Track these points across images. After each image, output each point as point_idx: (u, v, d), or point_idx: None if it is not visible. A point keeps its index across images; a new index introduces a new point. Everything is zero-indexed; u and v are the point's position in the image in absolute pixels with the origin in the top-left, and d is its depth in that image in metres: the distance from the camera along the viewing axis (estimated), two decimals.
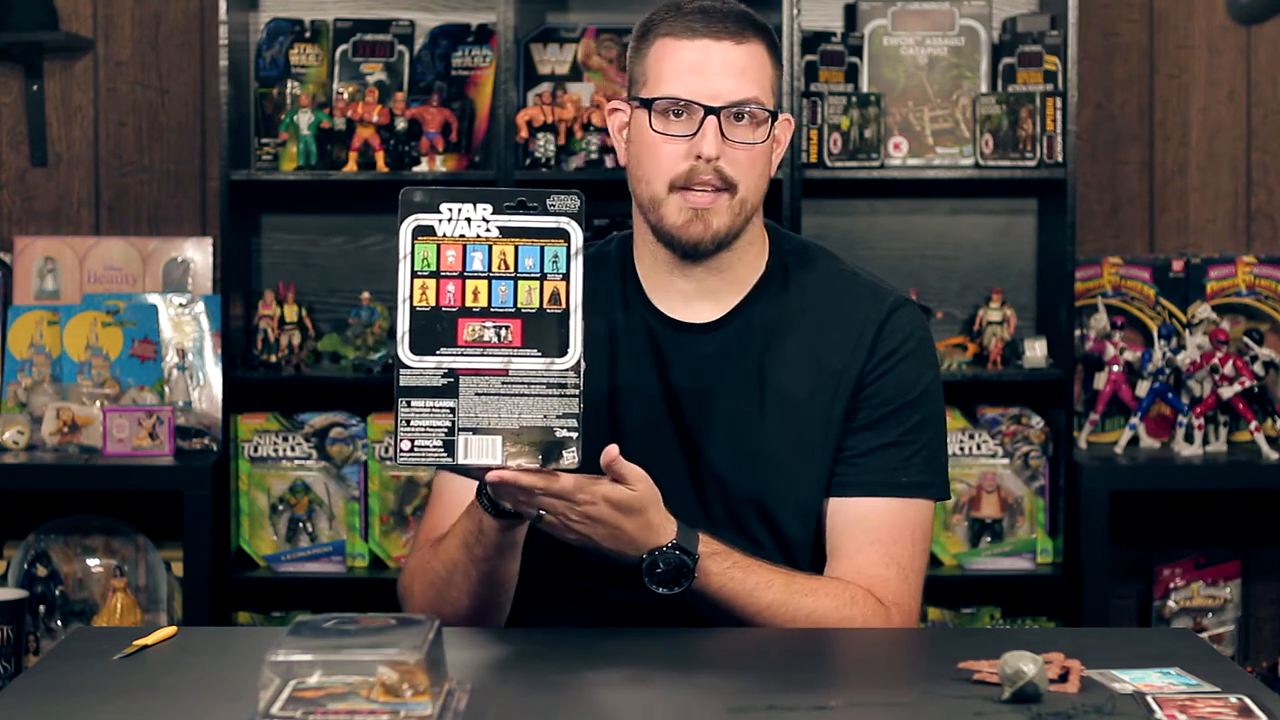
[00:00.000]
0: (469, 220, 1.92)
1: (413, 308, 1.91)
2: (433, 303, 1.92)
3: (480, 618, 2.18)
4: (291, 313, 3.88)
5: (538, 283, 1.93)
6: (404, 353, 1.91)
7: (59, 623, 3.82)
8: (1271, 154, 4.08)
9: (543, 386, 1.92)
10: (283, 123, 3.86)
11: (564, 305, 1.93)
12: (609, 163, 3.82)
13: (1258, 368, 3.87)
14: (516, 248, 1.92)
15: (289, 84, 3.91)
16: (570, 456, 1.93)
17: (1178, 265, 3.97)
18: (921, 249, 4.05)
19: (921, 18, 3.93)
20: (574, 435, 1.92)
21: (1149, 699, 1.76)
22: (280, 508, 3.86)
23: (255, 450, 3.86)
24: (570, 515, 2.00)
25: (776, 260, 2.28)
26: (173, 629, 2.05)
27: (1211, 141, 4.08)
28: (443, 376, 1.92)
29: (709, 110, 2.17)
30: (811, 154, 3.82)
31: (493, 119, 3.85)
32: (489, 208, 1.92)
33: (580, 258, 1.93)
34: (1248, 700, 1.75)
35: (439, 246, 1.91)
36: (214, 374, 3.85)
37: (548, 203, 1.93)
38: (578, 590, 2.24)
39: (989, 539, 3.85)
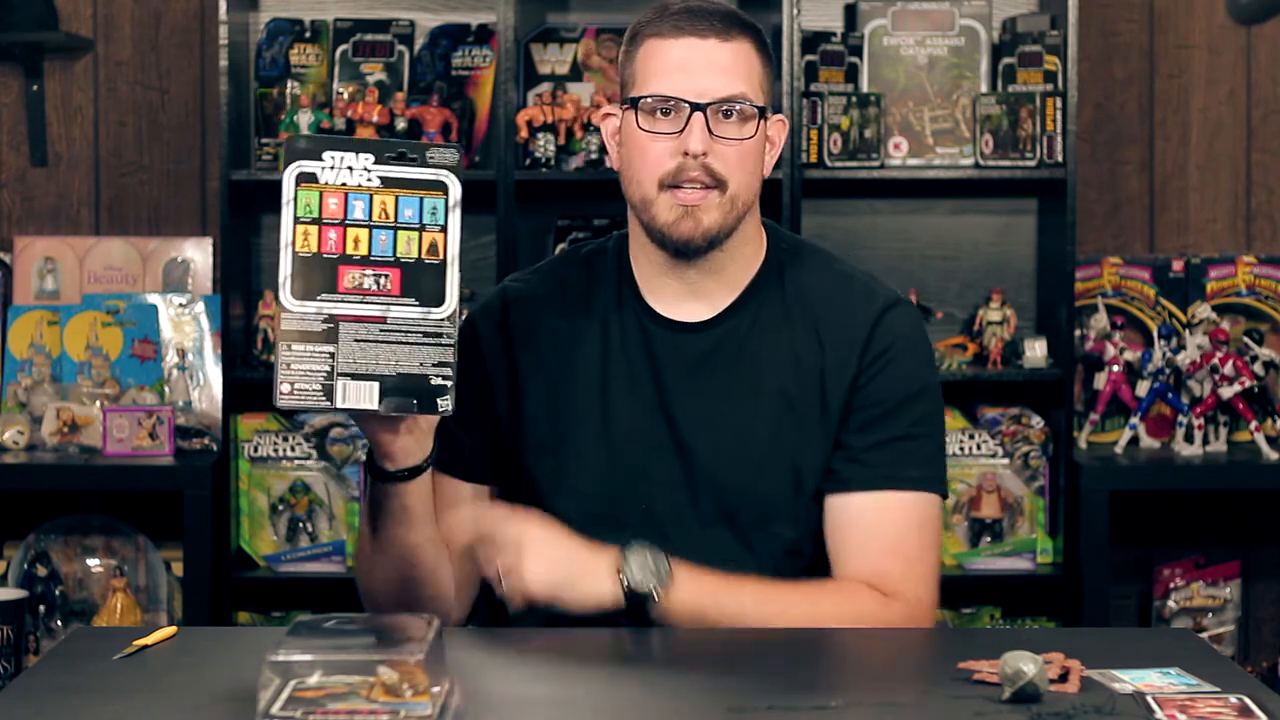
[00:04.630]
0: (351, 169, 1.95)
1: (295, 253, 1.94)
2: (314, 249, 1.95)
3: (407, 596, 2.18)
4: None
5: (417, 233, 1.96)
6: (285, 297, 1.94)
7: (59, 623, 3.82)
8: (1271, 154, 4.08)
9: (419, 335, 1.97)
10: (283, 123, 3.86)
11: (441, 256, 1.97)
12: (609, 162, 3.80)
13: (1258, 368, 3.87)
14: (397, 198, 1.96)
15: (289, 84, 3.91)
16: (444, 403, 1.98)
17: (1178, 265, 3.97)
18: (921, 249, 4.05)
19: (921, 18, 3.93)
20: (448, 383, 1.97)
21: (1149, 699, 1.76)
22: (280, 508, 3.85)
23: (255, 450, 3.86)
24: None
25: (773, 259, 2.28)
26: (173, 629, 2.05)
27: (1211, 141, 4.08)
28: (323, 322, 1.95)
29: (695, 107, 2.17)
30: (811, 154, 3.81)
31: (493, 119, 3.85)
32: (370, 158, 1.95)
33: (459, 210, 1.97)
34: (1248, 700, 1.75)
35: (321, 194, 1.94)
36: (214, 374, 3.85)
37: (427, 155, 1.96)
38: None
39: (989, 539, 3.85)
